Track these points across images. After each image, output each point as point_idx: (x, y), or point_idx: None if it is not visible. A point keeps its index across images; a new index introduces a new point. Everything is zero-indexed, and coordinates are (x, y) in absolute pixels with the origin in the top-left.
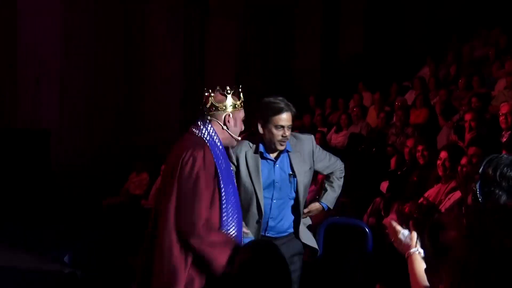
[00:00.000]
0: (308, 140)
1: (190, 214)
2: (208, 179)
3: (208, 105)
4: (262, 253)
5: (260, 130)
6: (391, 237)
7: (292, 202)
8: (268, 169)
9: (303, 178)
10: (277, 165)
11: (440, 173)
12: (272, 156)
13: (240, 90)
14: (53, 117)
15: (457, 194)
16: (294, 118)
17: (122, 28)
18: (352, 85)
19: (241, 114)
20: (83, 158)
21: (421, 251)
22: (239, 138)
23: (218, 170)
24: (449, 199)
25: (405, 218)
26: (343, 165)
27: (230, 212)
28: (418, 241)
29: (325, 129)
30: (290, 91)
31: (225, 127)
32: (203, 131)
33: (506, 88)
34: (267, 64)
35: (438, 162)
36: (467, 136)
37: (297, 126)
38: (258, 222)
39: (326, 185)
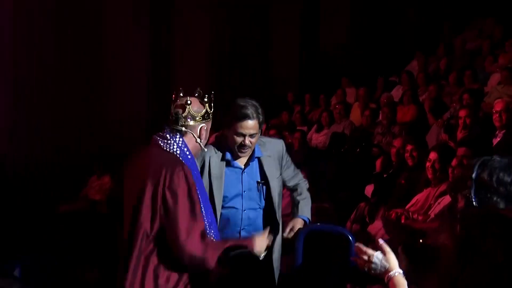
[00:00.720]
0: (278, 143)
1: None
2: (194, 199)
3: (184, 114)
4: (244, 268)
5: (224, 132)
6: (362, 264)
7: (262, 211)
8: (236, 178)
9: (277, 184)
10: (244, 173)
11: (429, 176)
12: (240, 163)
13: (212, 98)
14: (6, 116)
15: (447, 199)
16: (261, 126)
17: (79, 20)
18: (335, 79)
19: (210, 124)
20: (38, 160)
21: (401, 271)
22: (205, 149)
23: (197, 187)
24: (438, 203)
25: (392, 225)
26: (306, 181)
27: (209, 226)
28: (394, 262)
29: (305, 128)
30: (266, 86)
31: (199, 140)
32: (173, 146)
33: (500, 83)
34: (240, 56)
35: (427, 163)
36: (459, 135)
37: (275, 125)
38: (226, 234)
39: (297, 198)
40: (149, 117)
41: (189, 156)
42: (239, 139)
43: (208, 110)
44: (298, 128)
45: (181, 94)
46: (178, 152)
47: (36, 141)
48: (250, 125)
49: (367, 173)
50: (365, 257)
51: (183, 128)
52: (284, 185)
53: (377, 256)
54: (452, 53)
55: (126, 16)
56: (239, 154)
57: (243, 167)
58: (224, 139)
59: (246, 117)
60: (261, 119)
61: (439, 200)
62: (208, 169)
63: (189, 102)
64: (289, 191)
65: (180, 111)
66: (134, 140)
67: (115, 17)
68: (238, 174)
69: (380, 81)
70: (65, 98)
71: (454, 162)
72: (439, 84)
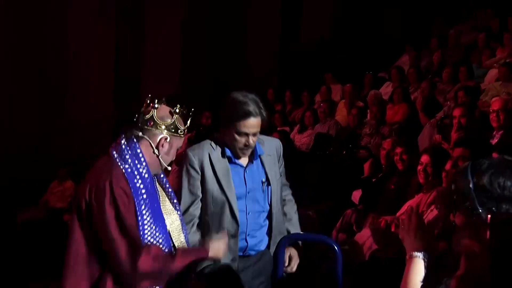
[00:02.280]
0: (277, 142)
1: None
2: (124, 215)
3: (147, 117)
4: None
5: (222, 131)
6: (406, 226)
7: (265, 215)
8: (238, 177)
9: (277, 187)
10: (246, 172)
11: (421, 180)
12: (241, 161)
13: (190, 114)
14: None
15: None
16: (264, 122)
17: (42, 13)
18: (318, 75)
19: (180, 142)
20: None
21: (425, 256)
22: (169, 168)
23: (136, 206)
24: (431, 210)
25: (381, 234)
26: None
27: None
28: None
29: (286, 128)
30: (243, 82)
31: (156, 151)
32: (125, 158)
33: (497, 80)
34: (216, 51)
35: (419, 167)
36: (454, 135)
37: None
38: (234, 238)
39: (285, 224)
40: (116, 118)
41: (144, 174)
42: (242, 139)
43: (178, 123)
44: (278, 129)
45: (156, 100)
46: (127, 168)
47: None
48: (254, 123)
49: (354, 177)
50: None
51: (140, 133)
52: None
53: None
54: (445, 47)
55: (90, 8)
56: (240, 154)
57: (244, 165)
58: (218, 136)
59: (249, 114)
60: (264, 115)
61: (432, 207)
62: (211, 166)
63: (156, 106)
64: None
65: (145, 113)
66: (99, 142)
67: (79, 9)
68: (240, 173)
69: (368, 77)
70: (24, 97)
71: (448, 166)
72: (432, 81)
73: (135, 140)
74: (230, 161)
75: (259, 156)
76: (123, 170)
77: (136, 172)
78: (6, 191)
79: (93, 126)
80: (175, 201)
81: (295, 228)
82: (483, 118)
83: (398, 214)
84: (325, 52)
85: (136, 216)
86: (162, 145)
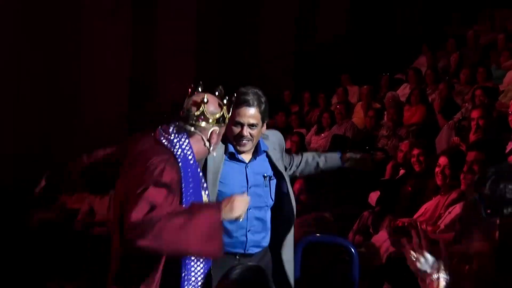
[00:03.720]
0: (278, 134)
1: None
2: (170, 196)
3: (196, 113)
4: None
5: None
6: (410, 253)
7: (268, 210)
8: (239, 172)
9: (286, 179)
10: (248, 167)
11: (439, 183)
12: (244, 157)
13: (233, 100)
14: None
15: (459, 208)
16: (264, 116)
17: (55, 12)
18: (334, 76)
19: (224, 129)
20: (8, 164)
21: (447, 277)
22: (214, 154)
23: (183, 193)
24: (449, 213)
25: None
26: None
27: None
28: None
29: (303, 130)
30: (259, 83)
31: (207, 144)
32: (175, 144)
33: None
34: (230, 49)
35: (437, 169)
36: (472, 137)
37: (270, 126)
38: (232, 237)
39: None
40: (131, 117)
41: (191, 161)
42: (236, 129)
43: (225, 114)
44: (295, 130)
45: (200, 89)
46: (178, 153)
47: (7, 143)
48: (249, 112)
49: (371, 179)
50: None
51: (192, 128)
52: (302, 172)
53: (428, 258)
54: (463, 48)
55: (104, 8)
56: (238, 147)
57: (247, 161)
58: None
59: (245, 103)
60: (263, 108)
61: (449, 209)
62: (205, 163)
63: (205, 100)
64: (311, 168)
65: (194, 108)
66: (114, 142)
67: (92, 9)
68: (242, 168)
69: (385, 78)
70: (37, 98)
71: (466, 168)
72: (450, 82)
73: (186, 134)
74: (233, 157)
75: (265, 151)
76: (180, 160)
77: (186, 160)
78: (20, 192)
79: (107, 126)
80: (205, 184)
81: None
82: (502, 120)
83: (415, 216)
84: (341, 53)
85: (180, 199)
86: (213, 137)
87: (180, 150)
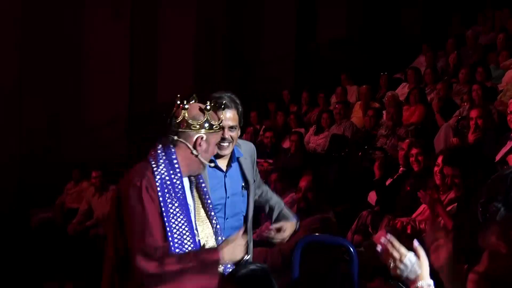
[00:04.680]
0: (251, 146)
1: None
2: (146, 214)
3: (179, 119)
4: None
5: None
6: (388, 262)
7: (242, 218)
8: (218, 182)
9: (253, 189)
10: (227, 178)
11: (437, 182)
12: (221, 164)
13: (222, 105)
14: None
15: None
16: (241, 119)
17: (57, 14)
18: (334, 76)
19: (218, 137)
20: (9, 165)
21: (431, 283)
22: (211, 164)
23: (164, 211)
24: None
25: (397, 236)
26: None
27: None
28: (427, 270)
29: (302, 130)
30: (259, 83)
31: (194, 152)
32: (159, 159)
33: None
34: (230, 51)
35: (435, 168)
36: (471, 137)
37: (270, 126)
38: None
39: (273, 204)
40: (130, 119)
41: (177, 171)
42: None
43: (210, 119)
44: (294, 130)
45: (185, 101)
46: (159, 170)
47: (6, 147)
48: (228, 115)
49: (370, 178)
50: (396, 255)
51: (175, 137)
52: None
53: (410, 258)
54: (462, 48)
55: (105, 9)
56: (219, 151)
57: (224, 169)
58: None
59: (222, 106)
60: (239, 110)
61: (448, 208)
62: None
63: (186, 106)
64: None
65: (175, 115)
66: (113, 143)
67: (93, 11)
68: (221, 178)
69: (384, 78)
70: (38, 98)
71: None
72: (449, 81)
73: (171, 145)
74: (214, 165)
75: (237, 158)
76: (157, 177)
77: (168, 181)
78: (19, 192)
79: (107, 127)
80: (211, 207)
81: (284, 207)
82: (500, 119)
83: (414, 215)
84: (341, 53)
85: (163, 223)
86: (200, 144)
87: (162, 165)
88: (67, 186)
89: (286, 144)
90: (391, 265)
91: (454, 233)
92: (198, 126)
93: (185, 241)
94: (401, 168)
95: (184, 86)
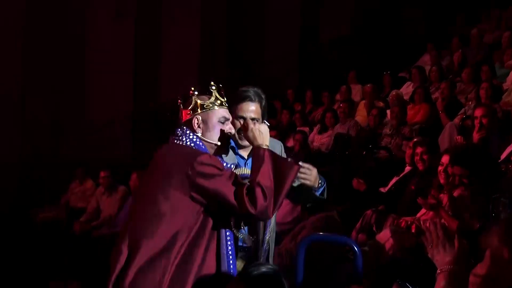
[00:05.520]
0: (278, 144)
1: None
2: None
3: (192, 104)
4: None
5: None
6: (434, 242)
7: None
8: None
9: None
10: (247, 164)
11: (442, 181)
12: (243, 153)
13: (213, 87)
14: None
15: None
16: (264, 112)
17: (60, 13)
18: (338, 75)
19: (216, 114)
20: (12, 165)
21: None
22: (218, 143)
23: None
24: None
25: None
26: None
27: None
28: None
29: (306, 129)
30: (263, 82)
31: (197, 135)
32: (186, 141)
33: None
34: (234, 49)
35: (440, 167)
36: (475, 136)
37: (273, 126)
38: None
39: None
40: (135, 117)
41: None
42: (238, 124)
43: (199, 100)
44: (298, 129)
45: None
46: (192, 145)
47: (10, 147)
48: (251, 107)
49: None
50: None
51: (181, 127)
52: None
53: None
54: (467, 46)
55: (108, 9)
56: (240, 141)
57: (246, 157)
58: None
59: (247, 98)
60: (263, 104)
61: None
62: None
63: (195, 92)
64: None
65: (187, 102)
66: (118, 142)
67: (96, 10)
68: (242, 164)
69: (388, 77)
70: (42, 98)
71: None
72: (453, 80)
73: (184, 129)
74: (234, 152)
75: None
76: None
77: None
78: (23, 191)
79: (110, 126)
80: None
81: None
82: (505, 118)
83: (418, 215)
84: (344, 52)
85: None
86: (199, 126)
87: (191, 142)
88: (72, 185)
89: (290, 143)
90: (430, 246)
91: (457, 234)
92: (190, 112)
93: None
94: (407, 167)
95: (188, 85)
